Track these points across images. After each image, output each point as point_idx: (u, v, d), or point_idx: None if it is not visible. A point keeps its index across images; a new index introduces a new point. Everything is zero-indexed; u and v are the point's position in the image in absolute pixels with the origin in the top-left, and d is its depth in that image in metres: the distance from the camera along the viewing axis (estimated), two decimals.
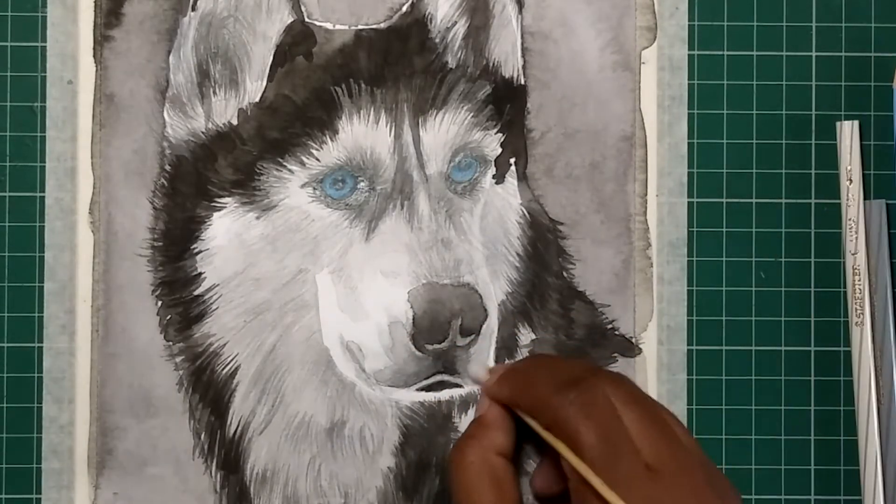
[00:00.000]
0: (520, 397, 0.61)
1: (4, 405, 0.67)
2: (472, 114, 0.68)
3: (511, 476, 0.61)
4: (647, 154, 0.69)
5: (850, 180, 0.68)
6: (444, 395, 0.67)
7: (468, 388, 0.67)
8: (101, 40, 0.68)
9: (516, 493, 0.60)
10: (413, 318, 0.65)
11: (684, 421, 0.67)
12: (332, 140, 0.67)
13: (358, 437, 0.67)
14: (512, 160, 0.68)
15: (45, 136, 0.68)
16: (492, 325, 0.67)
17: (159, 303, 0.67)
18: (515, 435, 0.62)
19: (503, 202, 0.68)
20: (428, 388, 0.67)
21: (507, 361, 0.67)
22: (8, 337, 0.67)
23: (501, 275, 0.68)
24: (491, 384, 0.63)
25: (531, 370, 0.62)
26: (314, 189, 0.67)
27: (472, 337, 0.66)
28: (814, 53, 0.69)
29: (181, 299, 0.67)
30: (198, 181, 0.67)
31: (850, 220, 0.68)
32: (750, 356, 0.69)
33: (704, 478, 0.57)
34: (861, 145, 0.68)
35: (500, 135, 0.68)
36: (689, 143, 0.69)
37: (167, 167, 0.67)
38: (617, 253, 0.69)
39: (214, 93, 0.67)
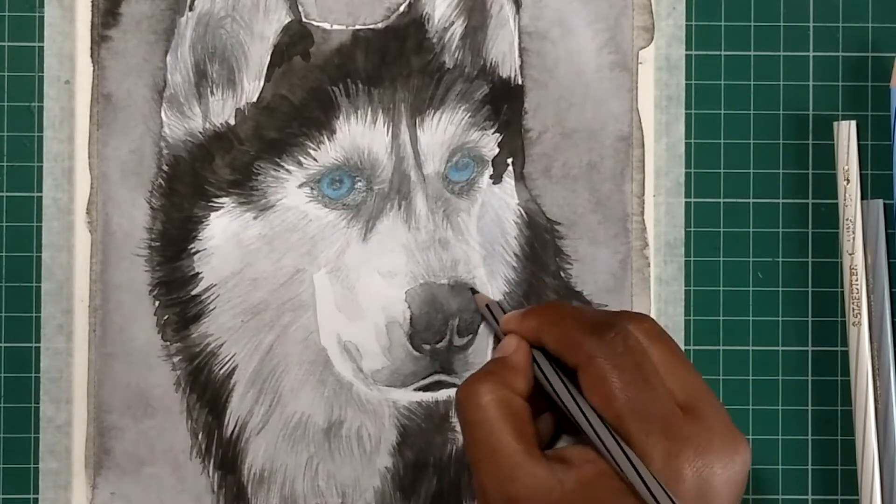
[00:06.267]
0: (548, 333, 0.60)
1: (1, 405, 0.67)
2: (469, 114, 0.68)
3: (531, 418, 0.59)
4: (644, 154, 0.69)
5: (848, 180, 0.68)
6: (442, 395, 0.67)
7: None
8: (99, 40, 0.68)
9: (536, 436, 0.59)
10: (410, 318, 0.65)
11: None
12: (329, 140, 0.67)
13: (355, 437, 0.67)
14: (509, 160, 0.68)
15: (42, 136, 0.68)
16: None
17: (157, 303, 0.67)
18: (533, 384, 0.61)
19: (500, 202, 0.68)
20: (425, 388, 0.67)
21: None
22: (5, 337, 0.67)
23: (499, 275, 0.68)
24: (515, 317, 0.62)
25: (559, 308, 0.61)
26: (311, 189, 0.67)
27: (470, 337, 0.66)
28: (811, 53, 0.69)
29: (178, 299, 0.67)
30: (195, 181, 0.67)
31: (847, 219, 0.68)
32: (747, 356, 0.69)
33: (727, 417, 0.58)
34: (859, 145, 0.68)
35: (498, 135, 0.68)
36: (686, 143, 0.69)
37: (164, 167, 0.67)
38: (614, 253, 0.68)
39: (212, 93, 0.67)
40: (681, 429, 0.56)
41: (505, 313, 0.64)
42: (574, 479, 0.57)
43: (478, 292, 0.66)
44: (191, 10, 0.67)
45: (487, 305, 0.65)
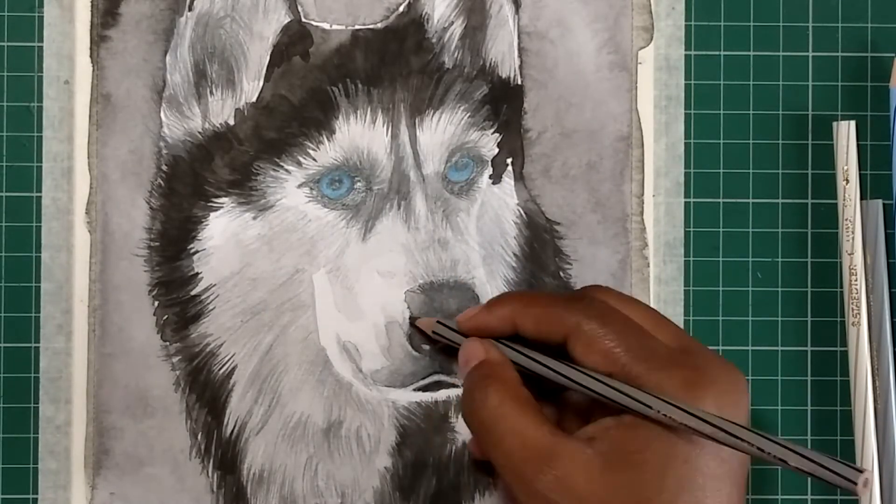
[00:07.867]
0: (525, 315, 0.59)
1: (1, 405, 0.67)
2: (468, 114, 0.68)
3: (538, 404, 0.59)
4: (643, 154, 0.69)
5: (847, 180, 0.68)
6: (441, 395, 0.67)
7: None
8: (98, 40, 0.68)
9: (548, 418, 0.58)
10: (410, 319, 0.65)
11: None
12: (328, 140, 0.67)
13: (355, 438, 0.67)
14: (508, 160, 0.68)
15: (41, 136, 0.68)
16: None
17: (156, 303, 0.67)
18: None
19: (500, 202, 0.68)
20: (425, 389, 0.67)
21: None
22: (4, 337, 0.67)
23: (498, 275, 0.68)
24: (480, 313, 0.62)
25: (526, 293, 0.62)
26: (311, 189, 0.67)
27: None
28: (810, 53, 0.69)
29: (178, 299, 0.67)
30: (194, 181, 0.67)
31: (846, 220, 0.68)
32: (747, 356, 0.69)
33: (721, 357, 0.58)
34: (858, 145, 0.68)
35: (497, 135, 0.68)
36: (685, 144, 0.69)
37: (164, 167, 0.67)
38: (614, 253, 0.69)
39: (211, 93, 0.67)
40: (686, 361, 0.56)
41: (455, 327, 0.63)
42: (607, 444, 0.56)
43: (418, 318, 0.65)
44: (190, 10, 0.67)
45: (438, 323, 0.64)
